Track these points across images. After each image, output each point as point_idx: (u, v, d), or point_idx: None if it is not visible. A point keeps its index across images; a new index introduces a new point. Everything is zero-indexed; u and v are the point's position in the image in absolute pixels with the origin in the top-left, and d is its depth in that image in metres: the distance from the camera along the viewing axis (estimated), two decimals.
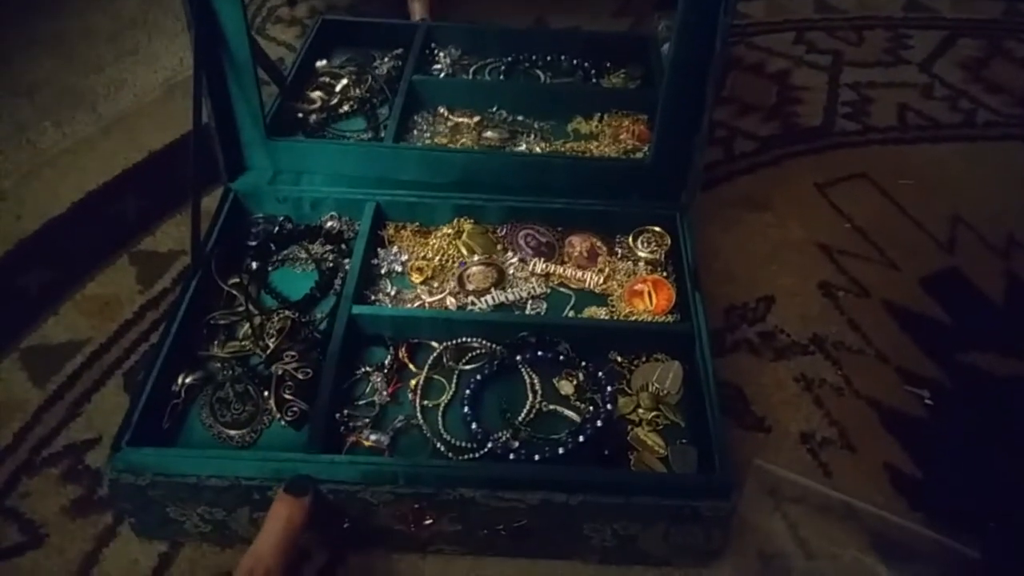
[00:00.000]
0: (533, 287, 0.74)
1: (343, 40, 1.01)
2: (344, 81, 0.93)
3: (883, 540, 0.66)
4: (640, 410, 0.66)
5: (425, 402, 0.66)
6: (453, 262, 0.76)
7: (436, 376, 0.68)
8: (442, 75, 0.96)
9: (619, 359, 0.70)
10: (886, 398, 0.75)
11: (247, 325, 0.69)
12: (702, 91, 0.71)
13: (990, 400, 0.76)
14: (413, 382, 0.67)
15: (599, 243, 0.78)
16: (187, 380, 0.65)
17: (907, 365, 0.78)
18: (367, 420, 0.64)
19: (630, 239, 0.77)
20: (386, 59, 0.97)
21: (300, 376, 0.65)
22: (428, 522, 0.60)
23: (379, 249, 0.76)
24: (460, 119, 0.90)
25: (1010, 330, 0.81)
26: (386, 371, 0.67)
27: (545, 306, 0.73)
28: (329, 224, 0.78)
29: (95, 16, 1.17)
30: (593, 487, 0.58)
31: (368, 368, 0.68)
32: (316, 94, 0.91)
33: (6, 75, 1.07)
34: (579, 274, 0.75)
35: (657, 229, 0.77)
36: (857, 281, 0.85)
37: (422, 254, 0.76)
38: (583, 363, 0.67)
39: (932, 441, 0.72)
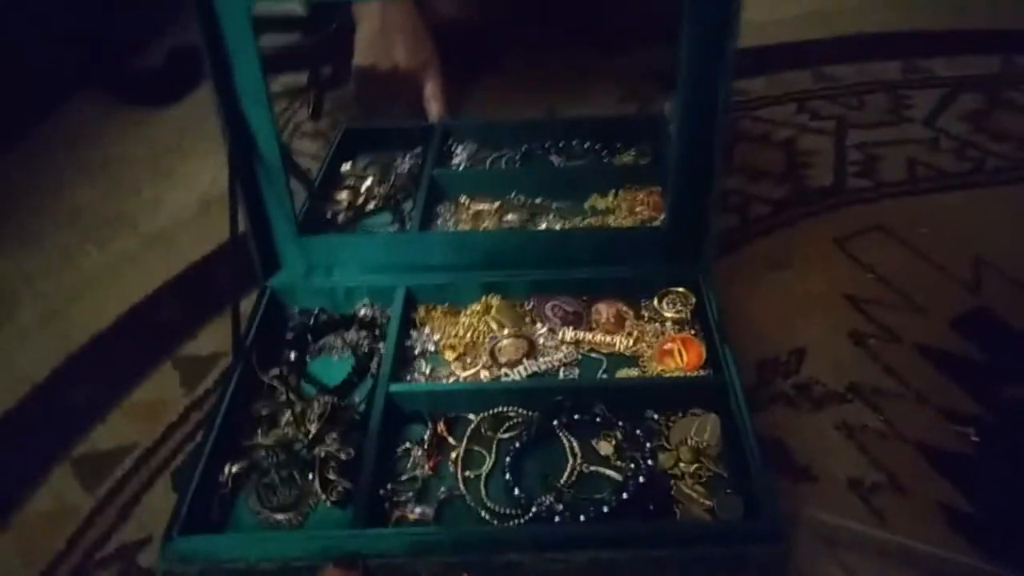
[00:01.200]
0: (564, 355, 0.75)
1: (365, 145, 1.07)
2: (368, 181, 0.97)
3: None
4: (681, 464, 0.66)
5: (467, 473, 0.67)
6: (484, 337, 0.78)
7: (476, 447, 0.69)
8: (461, 167, 1.00)
9: (655, 417, 0.70)
10: (931, 438, 0.74)
11: (288, 412, 0.71)
12: (709, 155, 0.74)
13: None
14: (453, 454, 0.68)
15: (625, 308, 0.80)
16: (233, 469, 0.67)
17: (948, 404, 0.77)
18: (411, 494, 0.65)
19: (655, 301, 0.79)
20: (407, 158, 1.02)
21: (343, 456, 0.66)
22: None
23: (412, 331, 0.78)
24: (481, 206, 0.94)
25: None
26: (426, 446, 0.68)
27: (578, 372, 0.74)
28: (363, 312, 0.80)
29: (132, 143, 1.25)
30: (641, 541, 0.57)
31: (409, 444, 0.69)
32: (343, 195, 0.96)
33: (49, 202, 1.13)
34: (608, 339, 0.76)
35: (681, 290, 0.79)
36: (887, 328, 0.85)
37: (453, 332, 0.78)
38: (620, 423, 0.68)
39: (983, 478, 0.71)
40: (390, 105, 1.13)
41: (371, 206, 0.95)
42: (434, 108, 1.10)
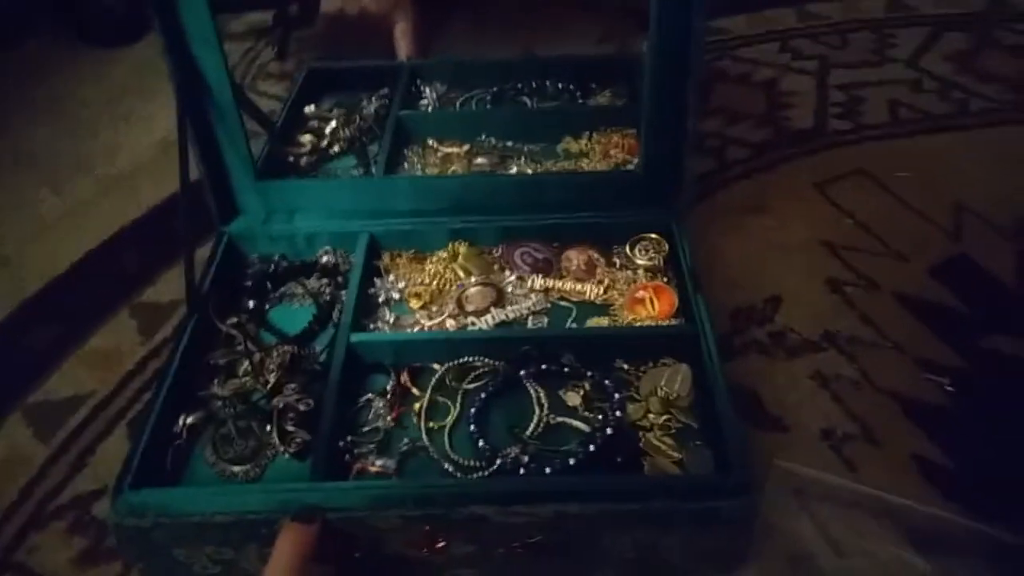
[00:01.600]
0: (533, 303, 0.73)
1: (330, 86, 1.02)
2: (333, 123, 0.93)
3: (918, 532, 0.63)
4: (651, 415, 0.64)
5: (430, 424, 0.65)
6: (451, 285, 0.75)
7: (440, 398, 0.67)
8: (429, 109, 0.97)
9: (625, 367, 0.68)
10: (906, 389, 0.73)
11: (247, 362, 0.68)
12: (683, 96, 0.70)
13: (1013, 381, 0.73)
14: (417, 405, 0.66)
15: (597, 255, 0.77)
16: (188, 420, 0.64)
17: (925, 354, 0.76)
18: (372, 446, 0.63)
19: (627, 248, 0.76)
20: (373, 99, 0.98)
21: (302, 407, 0.64)
22: (441, 545, 0.58)
23: (375, 279, 0.76)
24: (450, 149, 0.90)
25: None
26: (389, 396, 0.66)
27: (547, 321, 0.72)
28: (324, 258, 0.78)
29: (90, 84, 1.20)
30: (607, 495, 0.56)
31: (371, 395, 0.67)
32: (306, 138, 0.92)
33: (3, 144, 1.09)
34: (579, 287, 0.74)
35: (654, 236, 0.77)
36: (865, 275, 0.83)
37: (419, 280, 0.76)
38: (589, 373, 0.66)
39: (958, 428, 0.70)
40: (359, 47, 1.08)
41: (335, 149, 0.92)
42: (403, 48, 1.05)
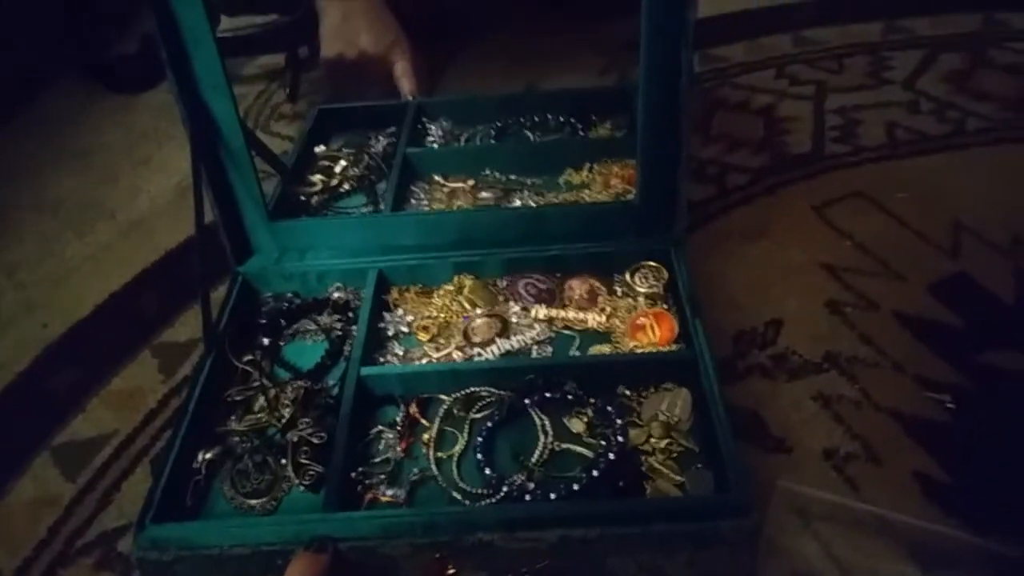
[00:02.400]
0: (537, 333, 0.75)
1: (340, 126, 1.06)
2: (342, 163, 0.96)
3: (921, 549, 0.64)
4: (652, 440, 0.66)
5: (439, 454, 0.67)
6: (457, 318, 0.77)
7: (448, 428, 0.69)
8: (435, 146, 0.99)
9: (627, 393, 0.70)
10: (907, 407, 0.74)
11: (262, 398, 0.71)
12: (677, 125, 0.73)
13: (1013, 398, 0.74)
14: (426, 436, 0.68)
15: (598, 284, 0.79)
16: (207, 456, 0.67)
17: (925, 372, 0.77)
18: (383, 477, 0.65)
19: (628, 276, 0.78)
20: (381, 138, 1.01)
21: (315, 441, 0.67)
22: (452, 572, 0.60)
23: (385, 313, 0.78)
24: (455, 184, 0.93)
25: None
26: (399, 428, 0.68)
27: (551, 350, 0.74)
28: (335, 295, 0.80)
29: (110, 131, 1.24)
30: (609, 519, 0.57)
31: (381, 427, 0.69)
32: (317, 177, 0.95)
33: (29, 192, 1.13)
34: (581, 315, 0.76)
35: (653, 264, 0.79)
36: (864, 296, 0.85)
37: (426, 313, 0.78)
38: (592, 400, 0.68)
39: (959, 445, 0.71)
40: (363, 90, 1.12)
41: (345, 187, 0.95)
42: (405, 87, 1.09)
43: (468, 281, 0.80)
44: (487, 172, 0.94)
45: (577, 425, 0.67)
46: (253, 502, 0.65)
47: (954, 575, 0.63)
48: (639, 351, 0.72)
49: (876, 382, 0.76)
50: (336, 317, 0.79)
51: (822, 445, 0.72)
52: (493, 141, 1.00)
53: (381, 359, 0.74)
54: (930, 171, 1.00)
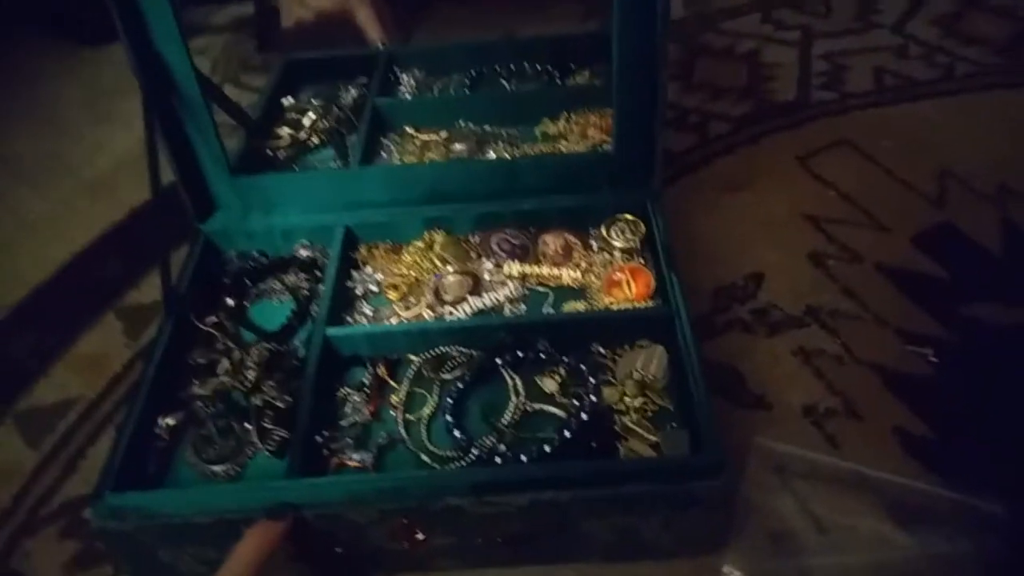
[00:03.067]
0: (510, 290, 0.72)
1: (309, 77, 1.02)
2: (311, 115, 0.93)
3: (900, 506, 0.63)
4: (627, 398, 0.64)
5: (409, 416, 0.65)
6: (428, 275, 0.75)
7: (418, 389, 0.67)
8: (407, 96, 0.96)
9: (602, 350, 0.68)
10: (889, 362, 0.73)
11: (226, 361, 0.68)
12: (654, 73, 0.70)
13: (997, 351, 0.73)
14: (394, 398, 0.66)
15: (573, 238, 0.77)
16: (169, 422, 0.65)
17: (907, 326, 0.75)
18: (350, 441, 0.63)
19: (604, 230, 0.76)
20: (351, 89, 0.97)
21: (280, 405, 0.65)
22: (420, 537, 0.58)
23: (353, 271, 0.76)
24: (428, 136, 0.90)
25: (1011, 279, 0.78)
26: (366, 390, 0.66)
27: (524, 307, 0.72)
28: (302, 253, 0.78)
29: (71, 84, 1.20)
30: (580, 481, 0.56)
31: (348, 389, 0.67)
32: (284, 130, 0.91)
33: None
34: (555, 271, 0.73)
35: (630, 217, 0.76)
36: (848, 247, 0.83)
37: (396, 271, 0.76)
38: (565, 359, 0.66)
39: (941, 399, 0.70)
40: (332, 45, 1.08)
41: (315, 141, 0.91)
42: (371, 34, 1.04)
43: (439, 237, 0.77)
44: (461, 123, 0.91)
45: (550, 385, 0.66)
46: (217, 468, 0.63)
47: (933, 532, 0.62)
48: (614, 307, 0.70)
49: (858, 336, 0.75)
50: (303, 276, 0.76)
51: (802, 401, 0.71)
52: (467, 91, 0.97)
53: (349, 319, 0.72)
54: (918, 118, 0.97)
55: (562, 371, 0.66)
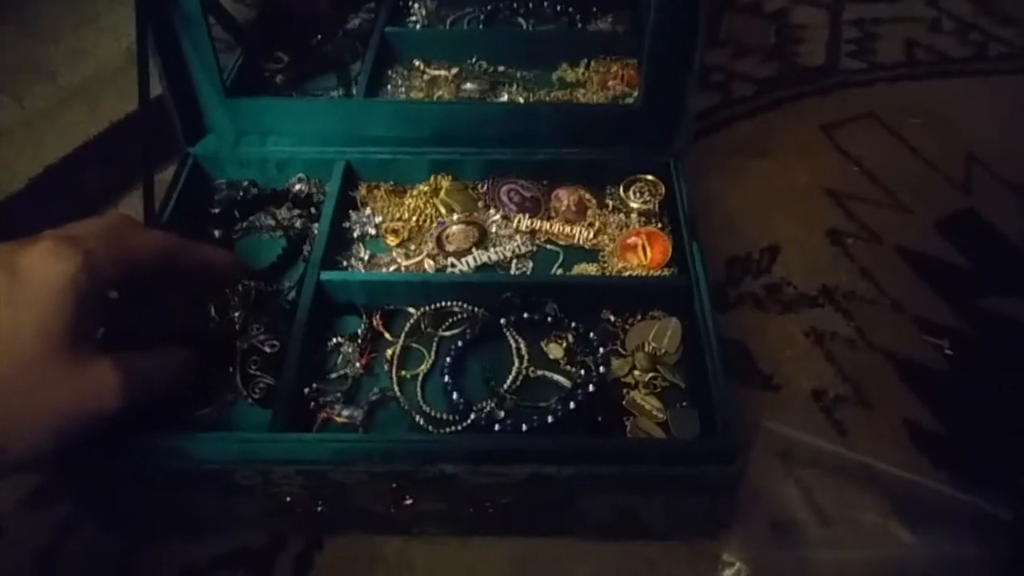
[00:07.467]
0: (518, 245, 0.68)
1: None
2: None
3: (905, 502, 0.61)
4: (636, 372, 0.60)
5: (403, 373, 0.61)
6: (431, 222, 0.71)
7: (414, 344, 0.63)
8: (417, 27, 0.90)
9: (612, 318, 0.64)
10: (903, 350, 0.70)
11: None
12: (692, 26, 0.65)
13: (1013, 350, 0.70)
14: (389, 352, 0.62)
15: (588, 196, 0.72)
16: None
17: (924, 314, 0.72)
18: (339, 394, 0.59)
19: (621, 190, 0.72)
20: (358, 13, 0.91)
21: (267, 349, 0.61)
22: (408, 502, 0.55)
23: (351, 211, 0.71)
24: (437, 72, 0.84)
25: None
26: (359, 341, 0.62)
27: (531, 265, 0.68)
28: (297, 187, 0.73)
29: None
30: (585, 457, 0.52)
31: (340, 339, 0.63)
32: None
33: None
34: (567, 229, 0.69)
35: (650, 178, 0.72)
36: (868, 227, 0.79)
37: (397, 215, 0.71)
38: (573, 324, 0.62)
39: (954, 393, 0.67)
40: None
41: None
42: None
43: (445, 182, 0.72)
44: (473, 60, 0.86)
45: (555, 351, 0.62)
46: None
47: (937, 531, 0.60)
48: (628, 273, 0.66)
49: (873, 320, 0.72)
50: (296, 212, 0.71)
51: (812, 385, 0.68)
52: (482, 26, 0.91)
53: (344, 263, 0.68)
54: (947, 96, 0.93)
55: (569, 337, 0.62)
